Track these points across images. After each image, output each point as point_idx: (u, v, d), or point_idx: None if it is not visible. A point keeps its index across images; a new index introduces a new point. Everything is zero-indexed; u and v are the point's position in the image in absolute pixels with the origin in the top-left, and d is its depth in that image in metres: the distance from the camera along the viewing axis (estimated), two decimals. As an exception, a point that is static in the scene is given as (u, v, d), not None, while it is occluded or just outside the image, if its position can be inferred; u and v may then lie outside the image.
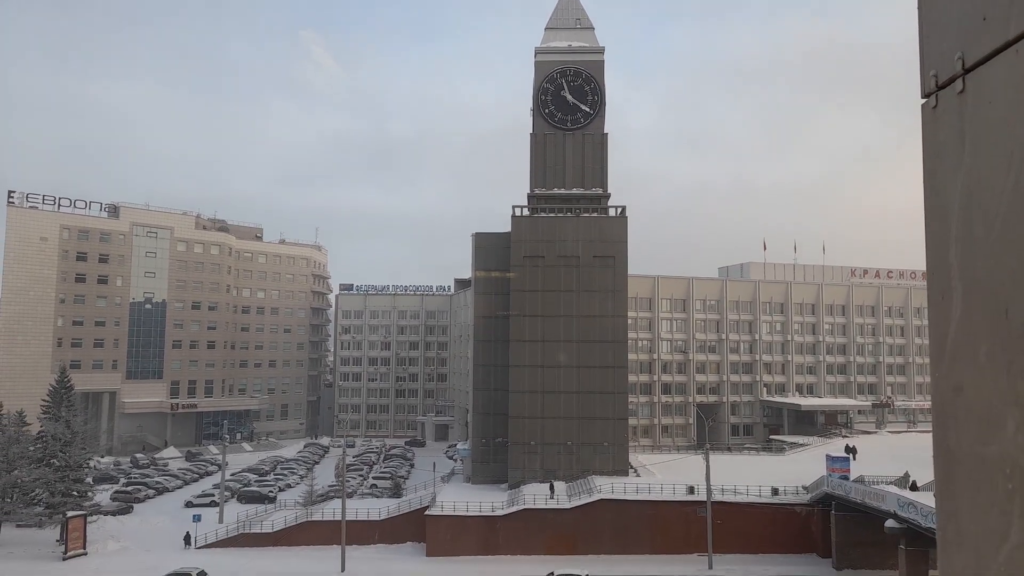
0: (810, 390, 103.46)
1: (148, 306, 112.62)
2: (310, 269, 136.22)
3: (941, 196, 1.74)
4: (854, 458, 58.10)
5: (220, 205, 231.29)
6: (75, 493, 63.66)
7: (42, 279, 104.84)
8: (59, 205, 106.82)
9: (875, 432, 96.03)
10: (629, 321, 76.96)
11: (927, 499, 45.01)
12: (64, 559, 56.03)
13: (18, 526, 63.27)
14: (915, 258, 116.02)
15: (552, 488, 60.25)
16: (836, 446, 74.63)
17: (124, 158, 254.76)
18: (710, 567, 52.54)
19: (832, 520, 53.06)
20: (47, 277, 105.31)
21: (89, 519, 60.64)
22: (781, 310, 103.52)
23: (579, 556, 54.98)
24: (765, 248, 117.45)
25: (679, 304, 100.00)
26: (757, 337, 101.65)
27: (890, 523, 45.20)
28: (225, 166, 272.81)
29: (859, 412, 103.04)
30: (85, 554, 57.08)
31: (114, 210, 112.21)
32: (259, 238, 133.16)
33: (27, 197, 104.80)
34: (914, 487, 48.75)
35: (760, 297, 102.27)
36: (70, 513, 59.30)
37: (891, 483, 52.47)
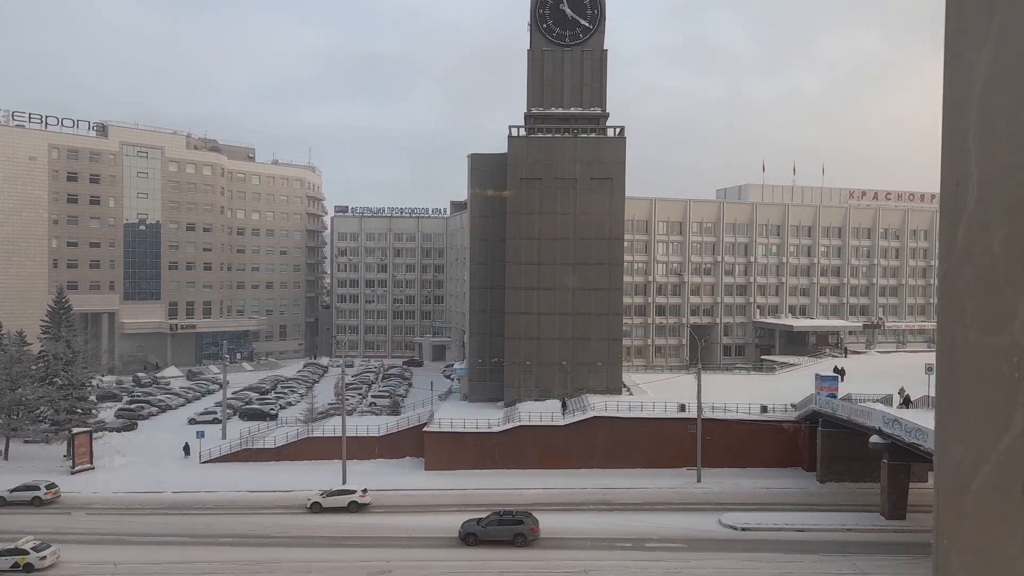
0: (803, 311, 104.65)
1: (142, 227, 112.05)
2: (304, 191, 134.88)
3: (962, 76, 1.65)
4: (842, 379, 59.42)
5: (209, 125, 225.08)
6: (79, 411, 65.09)
7: (34, 200, 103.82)
8: (46, 124, 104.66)
9: (864, 352, 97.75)
10: (625, 244, 76.95)
11: (911, 416, 46.35)
12: (72, 473, 57.83)
13: (26, 442, 65.02)
14: (914, 179, 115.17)
15: (564, 404, 61.63)
16: (825, 366, 76.09)
17: (109, 77, 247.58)
18: (699, 480, 54.48)
19: (818, 436, 54.71)
20: (39, 198, 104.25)
21: (95, 435, 62.29)
22: (777, 232, 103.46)
23: (572, 470, 56.90)
24: (764, 169, 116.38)
25: (676, 227, 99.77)
26: (752, 259, 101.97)
27: (874, 439, 46.61)
28: (212, 85, 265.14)
29: (850, 333, 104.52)
30: (92, 468, 58.88)
31: (102, 129, 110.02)
32: (251, 158, 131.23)
33: (12, 115, 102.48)
34: (908, 401, 49.99)
35: (757, 219, 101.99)
36: (76, 430, 60.84)
37: (877, 401, 53.85)
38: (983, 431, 1.58)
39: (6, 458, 62.46)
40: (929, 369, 56.60)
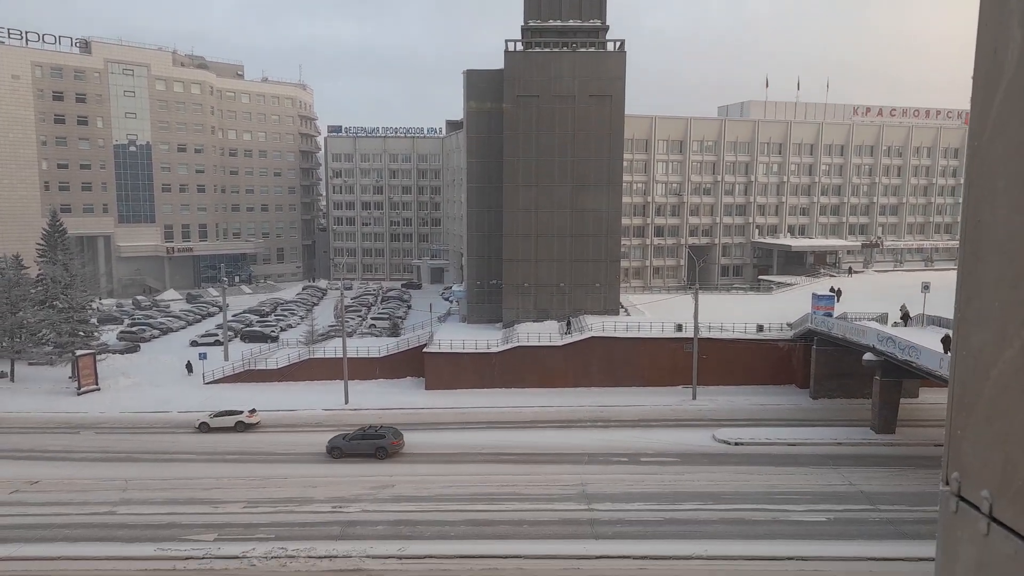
0: (802, 231, 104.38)
1: (132, 148, 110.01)
2: (296, 110, 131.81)
3: None
4: (838, 299, 59.71)
5: (195, 42, 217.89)
6: (81, 333, 65.61)
7: (20, 120, 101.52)
8: (27, 40, 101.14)
9: (862, 272, 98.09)
10: (624, 163, 75.83)
11: (904, 334, 46.92)
12: (79, 394, 58.83)
13: (30, 364, 65.85)
14: (921, 95, 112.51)
15: (568, 324, 62.08)
16: (823, 285, 76.46)
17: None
18: (694, 397, 55.60)
19: (813, 354, 55.48)
20: (25, 118, 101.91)
21: (98, 357, 63.02)
22: (779, 150, 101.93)
23: (570, 389, 57.98)
24: (767, 86, 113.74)
25: (676, 145, 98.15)
26: (753, 178, 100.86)
27: (868, 356, 47.28)
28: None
29: (848, 252, 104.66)
30: (98, 389, 59.85)
31: (86, 46, 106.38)
32: (240, 76, 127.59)
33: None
34: (907, 317, 50.43)
35: (759, 137, 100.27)
36: (79, 352, 61.48)
37: (872, 320, 54.37)
38: (1008, 314, 1.48)
39: (12, 380, 63.42)
40: (926, 287, 56.91)
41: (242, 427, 50.48)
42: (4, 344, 64.44)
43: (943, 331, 48.98)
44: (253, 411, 51.62)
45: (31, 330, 64.35)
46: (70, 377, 62.23)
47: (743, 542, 33.38)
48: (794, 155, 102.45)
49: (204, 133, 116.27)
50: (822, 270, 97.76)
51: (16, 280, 65.16)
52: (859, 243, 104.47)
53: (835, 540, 33.62)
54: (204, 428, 50.35)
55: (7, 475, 42.52)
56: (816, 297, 58.78)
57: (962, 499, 1.61)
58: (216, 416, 50.97)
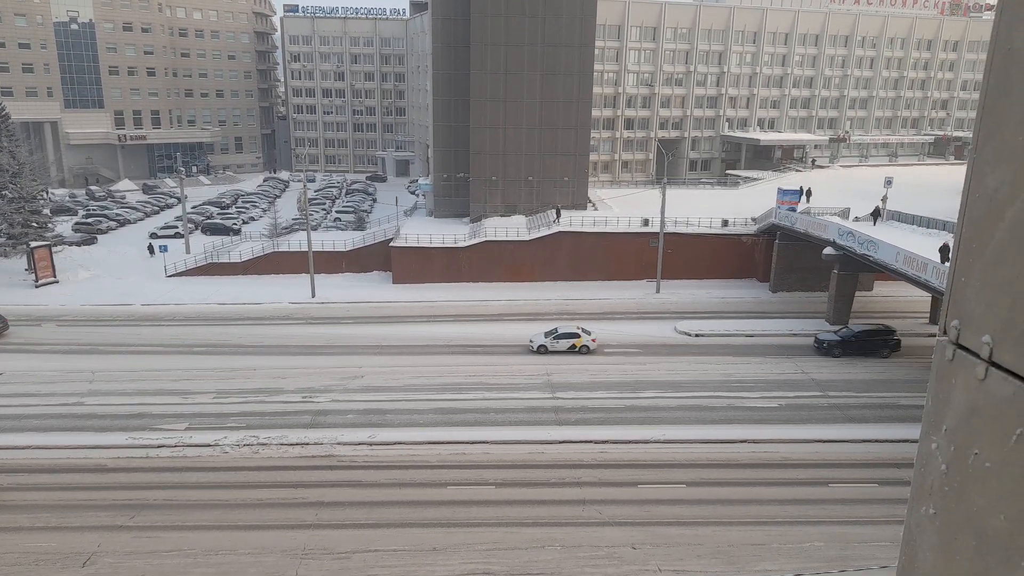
0: (771, 125, 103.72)
1: (74, 26, 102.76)
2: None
3: None
4: (808, 200, 60.12)
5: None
6: (35, 224, 63.52)
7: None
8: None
9: (828, 167, 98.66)
10: (596, 52, 73.37)
11: (863, 228, 47.91)
12: (36, 286, 57.65)
13: (-17, 257, 63.95)
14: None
15: (558, 212, 61.52)
16: (789, 180, 76.91)
17: None
18: (658, 291, 56.71)
19: (775, 249, 56.53)
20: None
21: (54, 249, 61.39)
22: (753, 40, 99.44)
23: (537, 283, 58.58)
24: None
25: (649, 32, 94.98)
26: (726, 69, 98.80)
27: (828, 250, 48.36)
28: None
29: (816, 147, 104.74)
30: (56, 282, 58.68)
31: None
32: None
33: None
34: (877, 213, 51.25)
35: (733, 25, 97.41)
36: (33, 244, 59.73)
37: (835, 215, 55.22)
38: None
39: (-35, 273, 61.70)
40: (888, 182, 57.58)
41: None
42: (-47, 235, 62.27)
43: (904, 226, 50.08)
44: None
45: (-20, 221, 62.09)
46: (26, 269, 60.74)
47: (699, 427, 35.10)
48: (768, 45, 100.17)
49: (151, 11, 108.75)
50: (789, 164, 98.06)
51: (-41, 168, 62.12)
52: (827, 138, 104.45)
53: (786, 424, 35.54)
54: None
55: (-31, 368, 42.15)
56: (781, 192, 59.24)
57: (959, 347, 1.61)
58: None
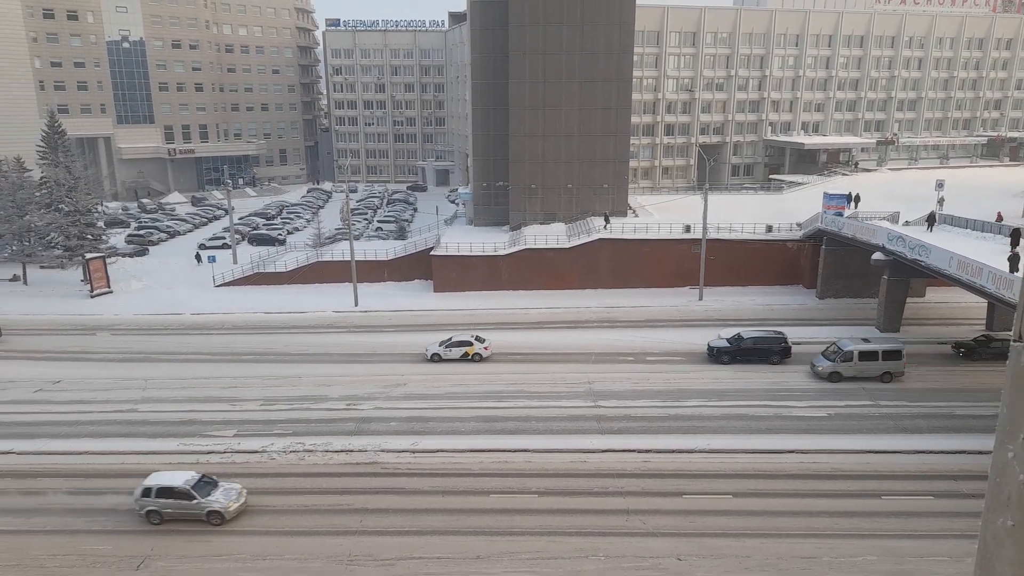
0: (816, 128, 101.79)
1: (126, 45, 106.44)
2: (292, 2, 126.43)
3: None
4: (856, 205, 58.65)
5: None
6: (89, 236, 65.79)
7: (8, 16, 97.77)
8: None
9: (876, 170, 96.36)
10: (635, 58, 73.08)
11: (914, 233, 46.55)
12: (92, 296, 59.60)
13: (42, 267, 66.51)
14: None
15: (607, 219, 61.45)
16: (835, 184, 75.33)
17: None
18: (700, 298, 55.99)
19: (821, 254, 55.35)
20: (11, 12, 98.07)
21: (108, 260, 63.44)
22: (796, 42, 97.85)
23: (577, 291, 58.37)
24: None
25: (688, 38, 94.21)
26: (767, 73, 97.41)
27: (877, 256, 47.12)
28: None
29: (862, 150, 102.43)
30: (111, 292, 60.58)
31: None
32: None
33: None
34: (932, 219, 49.65)
35: (775, 28, 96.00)
36: (89, 255, 61.82)
37: (884, 219, 53.85)
38: None
39: (25, 283, 64.15)
40: (939, 185, 55.97)
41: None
42: (14, 247, 64.81)
43: (956, 230, 48.55)
44: None
45: (39, 233, 64.50)
46: (82, 280, 62.87)
47: (745, 436, 34.46)
48: (811, 47, 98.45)
49: (198, 28, 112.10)
50: (836, 168, 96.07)
51: (20, 183, 64.72)
52: (874, 140, 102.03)
53: (835, 434, 34.66)
54: None
55: (30, 375, 43.78)
56: (828, 196, 58.04)
57: None
58: None
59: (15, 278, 64.98)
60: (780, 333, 44.55)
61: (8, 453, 34.13)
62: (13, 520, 28.69)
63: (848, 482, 30.46)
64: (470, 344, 44.83)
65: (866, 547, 26.00)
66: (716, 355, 43.73)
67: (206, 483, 28.74)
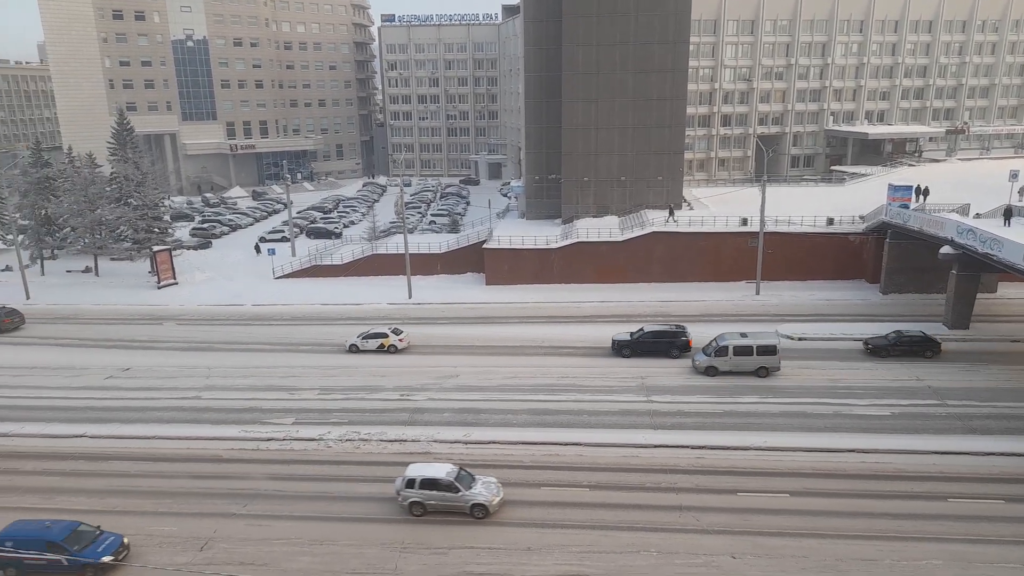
0: (880, 117, 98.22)
1: (190, 43, 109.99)
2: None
3: None
4: (925, 198, 56.25)
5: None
6: (156, 230, 68.36)
7: (80, 16, 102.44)
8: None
9: (944, 160, 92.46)
10: (691, 48, 71.75)
11: (986, 225, 44.44)
12: (159, 288, 61.95)
13: (112, 259, 69.42)
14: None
15: (671, 211, 60.94)
16: (900, 175, 72.62)
17: None
18: (757, 292, 54.78)
19: (886, 248, 53.49)
20: (83, 13, 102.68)
21: (174, 253, 65.81)
22: (860, 29, 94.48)
23: (630, 284, 57.81)
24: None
25: (747, 26, 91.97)
26: (830, 61, 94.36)
27: (945, 249, 45.27)
28: None
29: (930, 140, 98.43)
30: (176, 283, 62.85)
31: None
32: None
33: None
34: (1009, 213, 47.15)
35: (838, 14, 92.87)
36: (156, 248, 64.24)
37: (952, 211, 51.62)
38: None
39: (97, 274, 67.11)
40: (1014, 176, 53.34)
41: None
42: (86, 240, 67.83)
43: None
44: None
45: (109, 227, 67.34)
46: (149, 272, 65.38)
47: (803, 434, 33.62)
48: (876, 33, 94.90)
49: (259, 26, 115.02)
50: (900, 159, 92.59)
51: (92, 179, 67.62)
52: (943, 129, 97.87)
53: (899, 434, 33.50)
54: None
55: (101, 362, 45.82)
56: (893, 188, 55.87)
57: None
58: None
59: (87, 269, 68.03)
60: (681, 327, 44.24)
61: (81, 436, 35.79)
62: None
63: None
64: (386, 336, 45.94)
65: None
66: (618, 349, 43.69)
67: (466, 476, 28.42)
